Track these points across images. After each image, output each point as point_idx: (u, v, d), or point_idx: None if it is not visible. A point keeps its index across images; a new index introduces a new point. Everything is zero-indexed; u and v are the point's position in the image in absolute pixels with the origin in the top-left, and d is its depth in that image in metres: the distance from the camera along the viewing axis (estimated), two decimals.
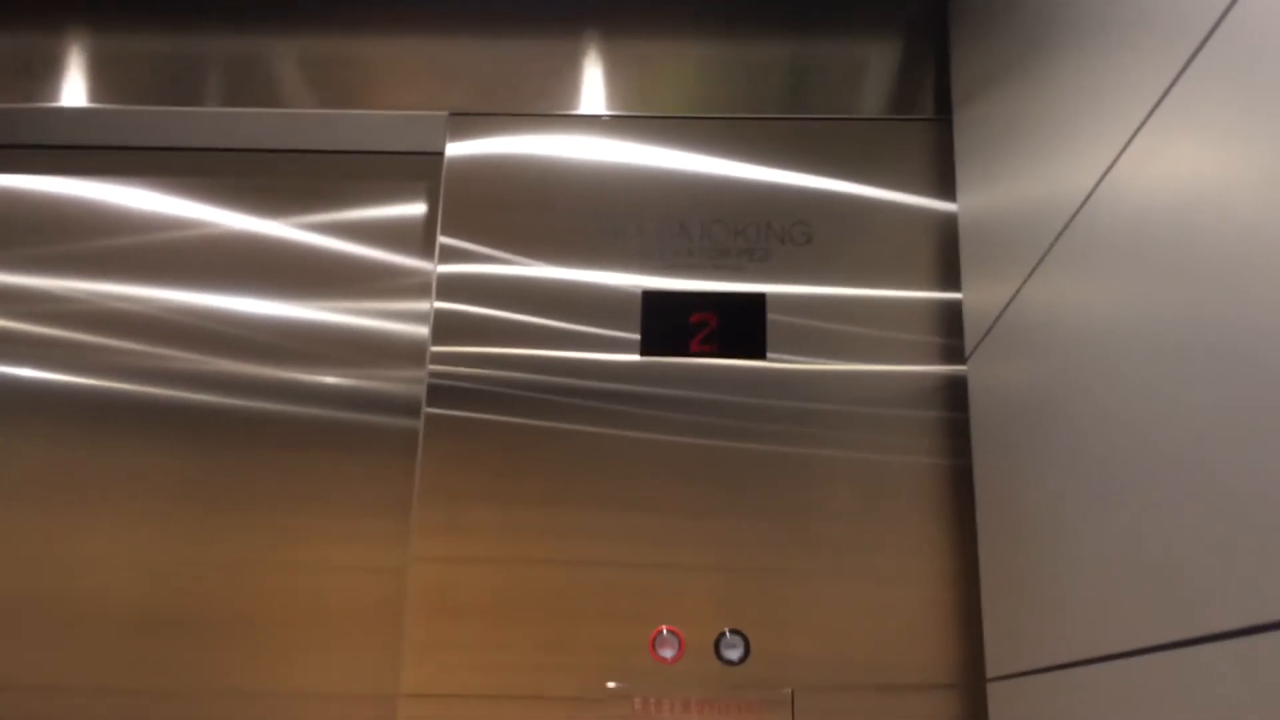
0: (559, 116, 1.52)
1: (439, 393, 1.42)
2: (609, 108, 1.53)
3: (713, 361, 1.41)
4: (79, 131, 1.62)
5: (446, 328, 1.45)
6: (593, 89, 1.54)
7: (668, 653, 1.31)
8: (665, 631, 1.32)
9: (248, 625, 1.44)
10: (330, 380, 1.53)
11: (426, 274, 1.55)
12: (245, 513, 1.48)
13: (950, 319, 1.42)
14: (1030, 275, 1.11)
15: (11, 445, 1.52)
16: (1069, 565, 0.99)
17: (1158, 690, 0.79)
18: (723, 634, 1.32)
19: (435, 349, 1.44)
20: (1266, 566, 0.64)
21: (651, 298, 1.44)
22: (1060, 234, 1.03)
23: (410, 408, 1.50)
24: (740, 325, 1.42)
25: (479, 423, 1.41)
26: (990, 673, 1.24)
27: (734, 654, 1.31)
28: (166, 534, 1.48)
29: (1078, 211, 0.98)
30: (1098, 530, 0.92)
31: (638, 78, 1.54)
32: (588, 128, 1.52)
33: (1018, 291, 1.15)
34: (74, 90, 1.58)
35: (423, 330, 1.52)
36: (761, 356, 1.42)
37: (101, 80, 1.59)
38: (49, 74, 1.59)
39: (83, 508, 1.49)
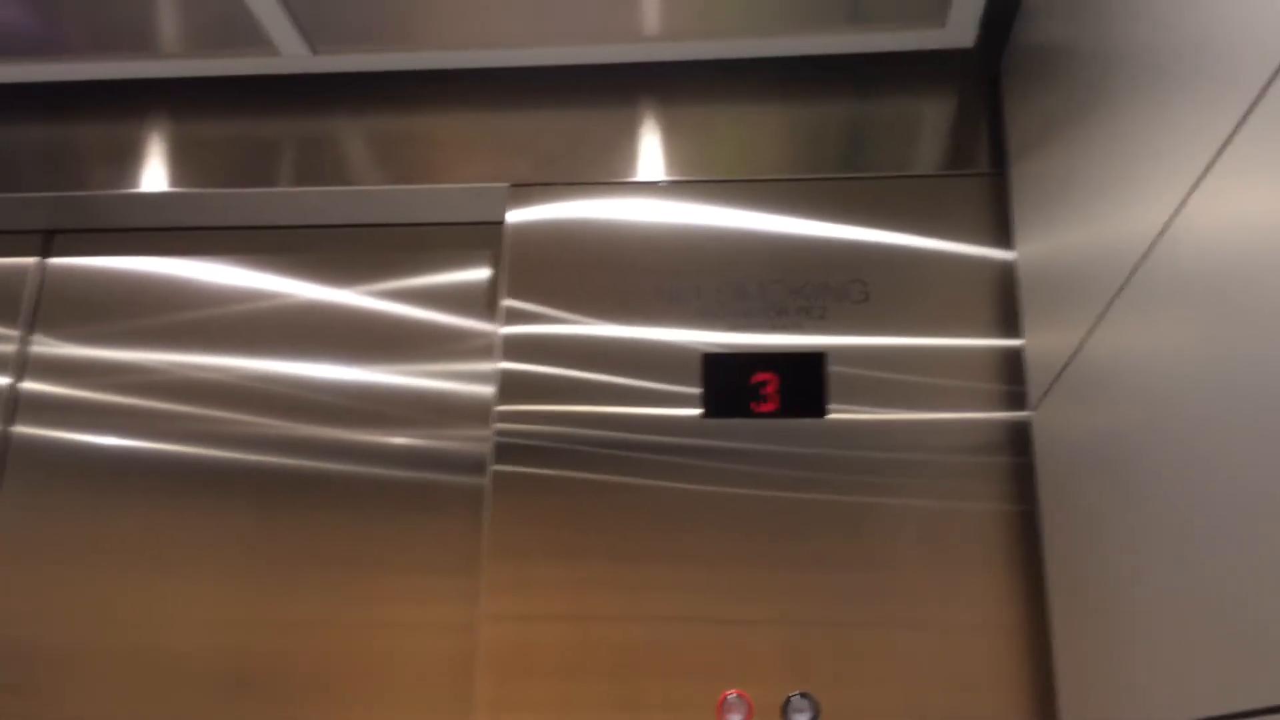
0: (617, 183, 1.56)
1: (506, 450, 1.44)
2: (667, 173, 1.56)
3: (774, 422, 1.42)
4: (159, 214, 1.70)
5: (511, 387, 1.47)
6: (650, 155, 1.58)
7: (736, 718, 1.30)
8: (733, 696, 1.31)
9: (320, 685, 1.45)
10: (399, 441, 1.56)
11: (490, 336, 1.58)
12: (318, 573, 1.50)
13: (1010, 366, 1.42)
14: (1098, 322, 1.11)
15: (98, 508, 1.57)
16: (1144, 624, 0.97)
17: None
18: (790, 699, 1.30)
19: (501, 408, 1.46)
20: None
21: (712, 360, 1.45)
22: (1127, 281, 1.03)
23: (477, 466, 1.52)
24: (800, 384, 1.43)
25: (545, 479, 1.43)
26: None
27: (803, 718, 1.29)
28: (242, 593, 1.50)
29: (1143, 259, 0.98)
30: (1173, 588, 0.90)
31: (694, 143, 1.58)
32: (646, 192, 1.55)
33: (1085, 339, 1.15)
34: (154, 176, 1.66)
35: (488, 390, 1.54)
36: (820, 415, 1.42)
37: (179, 165, 1.66)
38: (131, 161, 1.67)
39: (163, 569, 1.53)
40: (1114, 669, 1.06)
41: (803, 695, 1.30)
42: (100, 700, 1.48)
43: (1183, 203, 0.90)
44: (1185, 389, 0.88)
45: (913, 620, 1.32)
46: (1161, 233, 0.94)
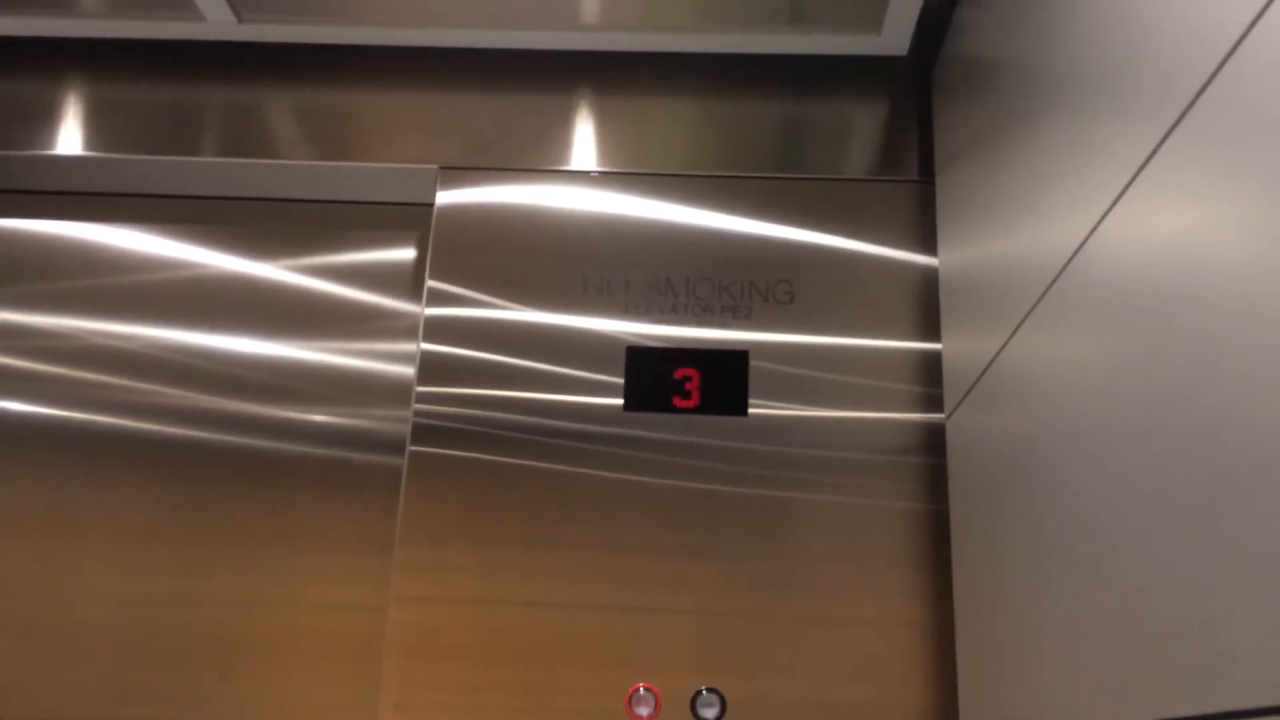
0: (549, 171, 1.55)
1: (424, 432, 1.42)
2: (599, 163, 1.55)
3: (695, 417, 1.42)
4: (75, 178, 1.64)
5: (432, 368, 1.45)
6: (583, 144, 1.57)
7: (644, 711, 1.30)
8: (642, 690, 1.31)
9: (229, 660, 1.42)
10: (319, 418, 1.53)
11: (414, 317, 1.56)
12: (232, 548, 1.47)
13: (929, 369, 1.44)
14: (1013, 333, 1.13)
15: (2, 478, 1.51)
16: (1041, 627, 0.99)
17: None
18: (699, 692, 1.31)
19: (421, 389, 1.44)
20: (1249, 646, 0.64)
21: (635, 352, 1.45)
22: (1044, 293, 1.05)
23: (396, 447, 1.50)
24: (722, 381, 1.44)
25: (462, 461, 1.41)
26: None
27: (710, 713, 1.30)
28: (153, 568, 1.46)
29: (1061, 271, 1.01)
30: (1075, 596, 0.92)
31: (627, 134, 1.57)
32: (577, 181, 1.54)
33: (1002, 347, 1.17)
34: (70, 139, 1.60)
35: (409, 371, 1.52)
36: (743, 413, 1.43)
37: (97, 129, 1.60)
38: (46, 122, 1.61)
39: (71, 541, 1.48)
40: (1011, 669, 1.08)
41: (710, 690, 1.31)
42: (8, 676, 1.43)
43: (1100, 220, 0.92)
44: (1094, 401, 0.91)
45: (823, 615, 1.34)
46: (1079, 249, 0.96)
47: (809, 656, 1.32)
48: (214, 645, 1.43)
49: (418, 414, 1.43)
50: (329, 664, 1.42)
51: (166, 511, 1.49)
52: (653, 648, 1.33)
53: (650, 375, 1.44)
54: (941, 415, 1.41)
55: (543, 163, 1.56)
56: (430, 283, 1.49)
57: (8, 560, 1.47)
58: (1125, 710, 0.81)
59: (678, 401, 1.43)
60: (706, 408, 1.43)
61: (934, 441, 1.40)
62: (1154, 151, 0.82)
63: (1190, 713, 0.70)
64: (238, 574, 1.46)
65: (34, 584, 1.46)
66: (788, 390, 1.43)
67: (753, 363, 1.44)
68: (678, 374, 1.44)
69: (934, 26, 1.52)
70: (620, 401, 1.43)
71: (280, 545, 1.47)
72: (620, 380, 1.44)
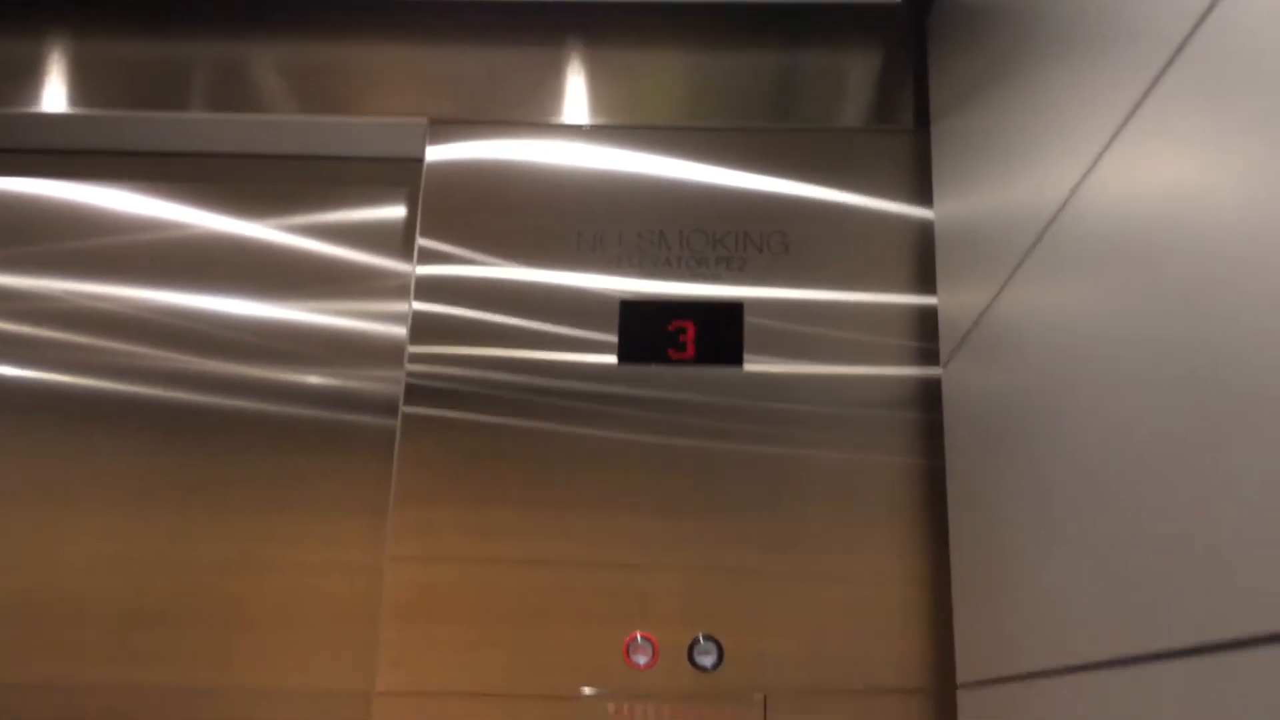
0: (540, 124, 1.53)
1: (416, 392, 1.42)
2: (591, 117, 1.54)
3: (690, 370, 1.42)
4: (58, 136, 1.62)
5: (424, 328, 1.45)
6: (575, 97, 1.55)
7: (641, 659, 1.31)
8: (639, 638, 1.32)
9: (224, 625, 1.43)
10: (310, 380, 1.52)
11: (405, 276, 1.55)
12: (225, 511, 1.47)
13: (925, 323, 1.43)
14: (1006, 282, 1.13)
15: None
16: (1038, 572, 1.00)
17: (1125, 705, 0.80)
18: (696, 640, 1.32)
19: (413, 349, 1.44)
20: (1233, 579, 0.65)
21: (629, 307, 1.44)
22: (1036, 242, 1.04)
23: (389, 407, 1.50)
24: (717, 333, 1.43)
25: (455, 422, 1.41)
26: (960, 678, 1.25)
27: (707, 660, 1.31)
28: (143, 532, 1.46)
29: (1053, 220, 1.00)
30: (1068, 537, 0.93)
31: (620, 87, 1.55)
32: (569, 135, 1.52)
33: (994, 298, 1.17)
34: (54, 95, 1.58)
35: (401, 331, 1.51)
36: (738, 363, 1.42)
37: (81, 85, 1.58)
38: (30, 79, 1.59)
39: (62, 505, 1.48)
40: (1006, 618, 1.09)
41: (708, 638, 1.32)
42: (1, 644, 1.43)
43: (1092, 165, 0.91)
44: (1088, 348, 0.90)
45: (819, 568, 1.34)
46: (1071, 194, 0.95)
47: (804, 609, 1.33)
48: (207, 608, 1.44)
49: (410, 374, 1.43)
50: (324, 624, 1.42)
51: (156, 476, 1.49)
52: (648, 601, 1.34)
53: (645, 329, 1.44)
54: (936, 369, 1.41)
55: (534, 116, 1.54)
56: (421, 241, 1.48)
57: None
58: (1124, 644, 0.81)
59: (672, 354, 1.42)
60: (701, 359, 1.42)
61: (929, 396, 1.40)
62: (1144, 96, 0.81)
63: (1189, 643, 0.71)
64: (230, 537, 1.46)
65: (21, 550, 1.46)
66: (782, 345, 1.43)
67: (747, 319, 1.44)
68: (672, 326, 1.44)
69: None
70: (614, 359, 1.43)
71: (274, 508, 1.47)
72: (614, 338, 1.43)
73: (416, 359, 1.44)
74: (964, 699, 1.23)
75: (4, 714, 1.40)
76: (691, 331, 1.43)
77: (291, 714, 1.40)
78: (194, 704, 1.40)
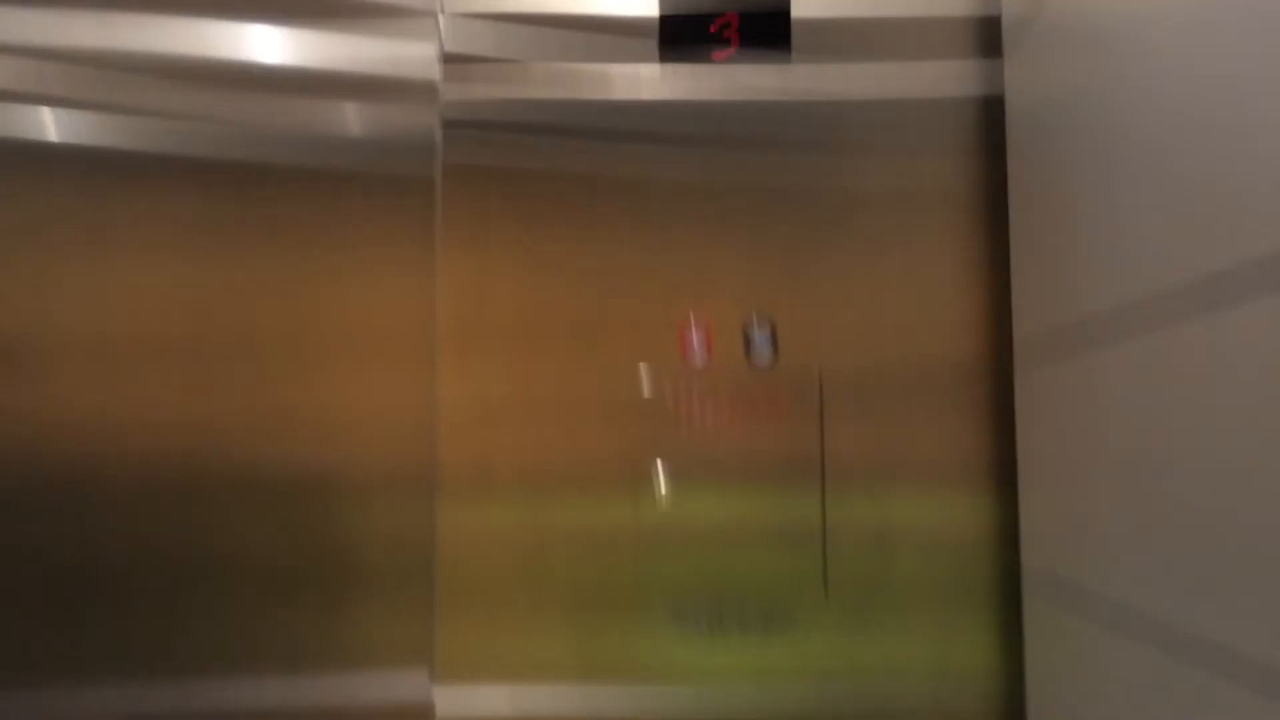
0: None
1: (455, 116, 1.40)
2: None
3: (735, 66, 1.39)
4: None
5: (458, 50, 1.42)
6: None
7: (697, 334, 1.34)
8: (692, 319, 1.34)
9: (286, 354, 1.46)
10: (346, 113, 1.50)
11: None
12: (275, 259, 1.48)
13: (989, 16, 1.38)
14: None
15: (30, 191, 1.52)
16: (1099, 217, 0.98)
17: (1198, 333, 0.78)
18: (750, 317, 1.34)
19: (449, 66, 1.41)
20: None
21: (669, 21, 1.41)
22: None
23: (426, 140, 1.47)
24: (761, 24, 1.40)
25: (498, 141, 1.39)
26: (1017, 334, 1.25)
27: (761, 334, 1.34)
28: (193, 277, 1.48)
29: None
30: (1131, 181, 0.90)
31: None
32: None
33: None
34: None
35: (432, 51, 1.48)
36: (785, 47, 1.39)
37: None
38: None
39: (107, 253, 1.49)
40: (1065, 262, 1.08)
41: (762, 317, 1.34)
42: (69, 384, 1.47)
43: None
44: (1165, 35, 0.86)
45: (871, 251, 1.34)
46: None
47: (858, 290, 1.32)
48: (267, 342, 1.46)
49: (447, 105, 1.41)
50: (384, 344, 1.45)
51: (203, 223, 1.49)
52: (701, 286, 1.35)
53: (688, 30, 1.41)
54: (999, 59, 1.36)
55: None
56: None
57: (41, 277, 1.49)
58: (1198, 261, 0.80)
59: (716, 55, 1.40)
60: (746, 42, 1.40)
61: (990, 87, 1.36)
62: None
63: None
64: (283, 276, 1.47)
65: (72, 301, 1.48)
66: (833, 36, 1.39)
67: (795, 14, 1.40)
68: (714, 26, 1.41)
69: None
70: (656, 68, 1.40)
71: (324, 245, 1.47)
72: (654, 44, 1.41)
73: (453, 75, 1.41)
74: (1021, 354, 1.24)
75: (72, 453, 1.44)
76: (735, 23, 1.40)
77: (361, 428, 1.44)
78: (271, 428, 1.44)
